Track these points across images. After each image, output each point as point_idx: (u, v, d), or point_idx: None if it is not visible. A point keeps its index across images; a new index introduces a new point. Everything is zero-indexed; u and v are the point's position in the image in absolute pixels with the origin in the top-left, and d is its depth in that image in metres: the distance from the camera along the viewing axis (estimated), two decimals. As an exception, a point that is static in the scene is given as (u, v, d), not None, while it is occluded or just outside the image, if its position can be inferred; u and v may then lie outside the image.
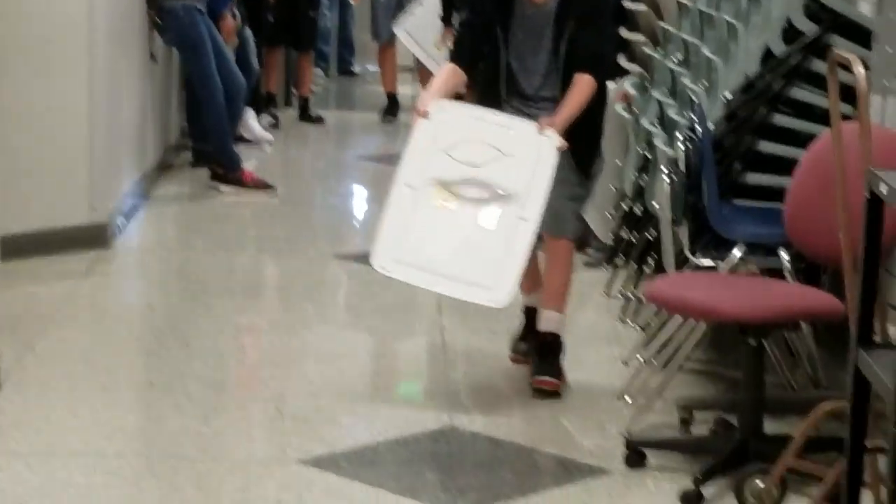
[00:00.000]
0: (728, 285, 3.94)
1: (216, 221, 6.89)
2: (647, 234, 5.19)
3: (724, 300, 3.75)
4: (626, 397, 4.39)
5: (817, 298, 3.78)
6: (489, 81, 4.44)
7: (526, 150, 4.19)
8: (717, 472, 3.76)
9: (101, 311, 5.35)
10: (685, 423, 4.14)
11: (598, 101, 4.38)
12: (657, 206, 4.72)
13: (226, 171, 7.35)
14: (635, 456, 3.95)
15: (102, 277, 5.73)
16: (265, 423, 4.19)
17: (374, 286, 5.41)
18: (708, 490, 3.72)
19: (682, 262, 4.44)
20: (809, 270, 4.28)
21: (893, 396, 2.72)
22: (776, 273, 4.17)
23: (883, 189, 2.85)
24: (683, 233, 4.32)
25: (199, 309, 5.32)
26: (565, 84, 4.30)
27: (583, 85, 4.27)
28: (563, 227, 4.41)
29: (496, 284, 4.09)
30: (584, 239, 5.93)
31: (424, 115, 4.27)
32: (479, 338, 4.99)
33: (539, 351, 4.49)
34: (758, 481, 3.66)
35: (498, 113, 4.34)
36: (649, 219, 5.12)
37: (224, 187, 7.31)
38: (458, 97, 5.00)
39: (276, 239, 6.62)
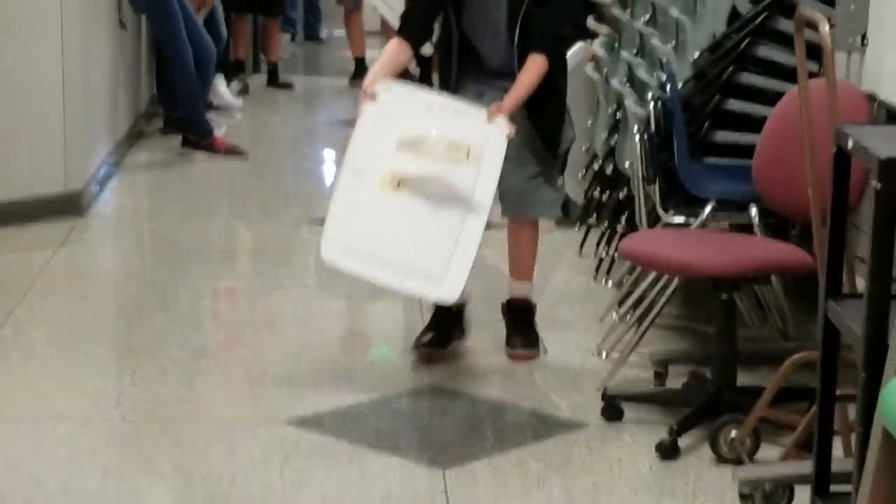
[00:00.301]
0: (700, 241, 4.02)
1: (189, 188, 6.93)
2: (618, 193, 5.27)
3: (697, 255, 3.83)
4: (602, 353, 4.49)
5: (787, 252, 3.87)
6: (445, 55, 4.34)
7: (474, 138, 4.06)
8: (692, 423, 3.86)
9: (80, 278, 5.40)
10: (660, 377, 4.24)
11: (560, 77, 4.29)
12: (628, 166, 4.81)
13: (197, 137, 7.38)
14: (612, 410, 4.04)
15: (79, 245, 5.77)
16: (248, 386, 4.26)
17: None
18: (684, 441, 3.81)
19: (654, 220, 4.53)
20: (778, 225, 4.37)
21: (863, 344, 2.82)
22: (746, 228, 4.26)
23: (849, 144, 2.94)
24: (655, 191, 4.41)
25: (176, 274, 5.37)
26: (521, 62, 4.18)
27: (534, 66, 4.14)
28: (524, 208, 4.35)
29: (446, 278, 3.95)
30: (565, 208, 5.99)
31: (371, 96, 4.12)
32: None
33: (511, 319, 4.49)
34: (732, 431, 3.75)
35: (446, 96, 4.20)
36: (620, 178, 5.20)
37: (197, 153, 7.35)
38: (404, 73, 4.74)
39: (248, 204, 6.68)
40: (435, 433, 3.97)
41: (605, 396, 4.06)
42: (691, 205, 4.33)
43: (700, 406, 3.90)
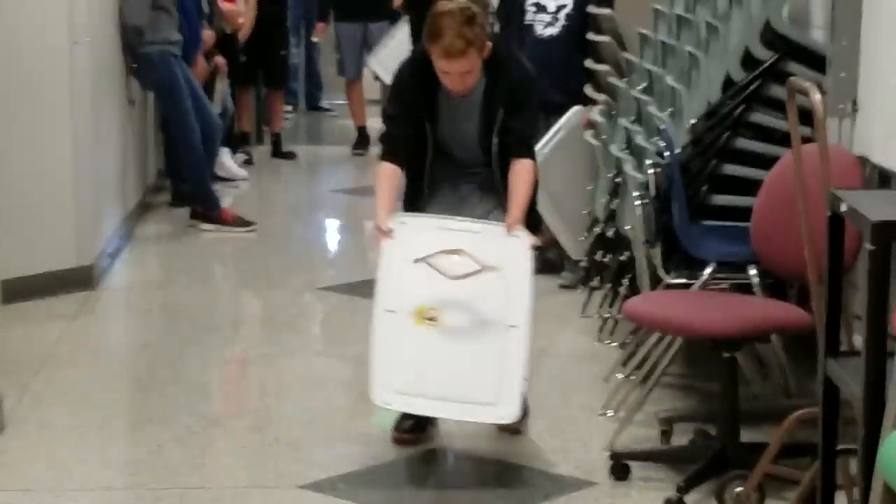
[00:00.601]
0: (701, 302, 4.14)
1: (198, 258, 7.05)
2: (620, 255, 5.39)
3: (699, 316, 3.94)
4: (608, 413, 4.59)
5: (786, 311, 3.98)
6: (418, 159, 4.31)
7: (498, 255, 4.05)
8: (699, 479, 3.95)
9: (93, 349, 5.50)
10: (666, 434, 4.34)
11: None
12: (629, 229, 4.93)
13: (205, 210, 7.52)
14: (620, 468, 4.14)
15: (92, 317, 5.88)
16: (262, 451, 4.35)
17: (355, 314, 5.59)
18: (691, 497, 3.90)
19: (655, 281, 4.64)
20: (777, 285, 4.48)
21: (861, 400, 2.92)
22: (746, 288, 4.37)
23: (843, 207, 3.06)
24: (656, 254, 4.53)
25: (187, 344, 5.48)
26: (501, 163, 4.21)
27: (525, 172, 4.17)
28: None
29: (500, 399, 3.96)
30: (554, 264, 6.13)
31: (388, 234, 4.10)
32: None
33: None
34: (737, 487, 3.84)
35: (460, 219, 4.18)
36: (621, 241, 5.33)
37: (205, 225, 7.48)
38: None
39: (256, 273, 6.79)
40: (449, 495, 4.06)
41: (612, 455, 4.15)
42: (692, 266, 4.44)
43: (706, 463, 3.99)
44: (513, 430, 4.37)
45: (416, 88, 4.23)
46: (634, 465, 4.14)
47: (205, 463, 4.29)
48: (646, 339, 4.65)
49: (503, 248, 4.03)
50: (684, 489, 3.91)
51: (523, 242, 4.05)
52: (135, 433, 4.62)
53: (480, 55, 4.15)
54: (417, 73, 4.24)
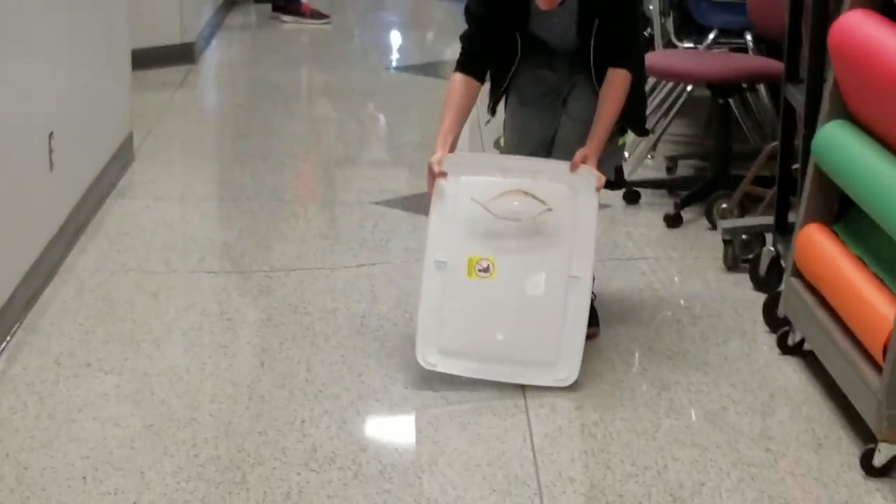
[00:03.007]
0: (703, 58, 5.08)
1: (281, 44, 8.06)
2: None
3: (699, 67, 4.90)
4: (625, 153, 5.55)
5: (768, 63, 4.91)
6: (498, 75, 3.76)
7: (562, 197, 3.55)
8: (693, 199, 4.92)
9: (199, 107, 6.58)
10: (671, 171, 5.32)
11: (640, 73, 3.78)
12: (650, 7, 5.84)
13: (286, 2, 8.48)
14: (631, 195, 5.12)
15: (195, 84, 6.95)
16: (345, 174, 5.39)
17: (419, 89, 6.59)
18: (686, 215, 4.89)
19: (669, 46, 5.57)
20: (770, 50, 5.39)
21: (804, 105, 3.87)
22: (743, 51, 5.31)
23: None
24: (670, 23, 5.46)
25: (275, 106, 6.50)
26: (598, 71, 3.64)
27: (617, 86, 3.60)
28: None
29: (559, 359, 3.51)
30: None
31: (441, 175, 3.56)
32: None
33: None
34: (723, 204, 4.83)
35: (522, 158, 3.66)
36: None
37: (285, 17, 8.45)
38: None
39: (333, 57, 7.78)
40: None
41: (626, 184, 5.12)
42: (700, 34, 5.38)
43: (699, 187, 4.97)
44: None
45: None
46: (644, 192, 5.13)
47: (297, 186, 5.35)
48: (658, 91, 5.60)
49: (569, 188, 3.54)
50: (680, 206, 4.89)
51: (591, 183, 3.54)
52: (241, 163, 5.60)
53: None
54: None
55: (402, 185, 5.24)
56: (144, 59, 6.84)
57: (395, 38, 8.67)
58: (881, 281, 3.25)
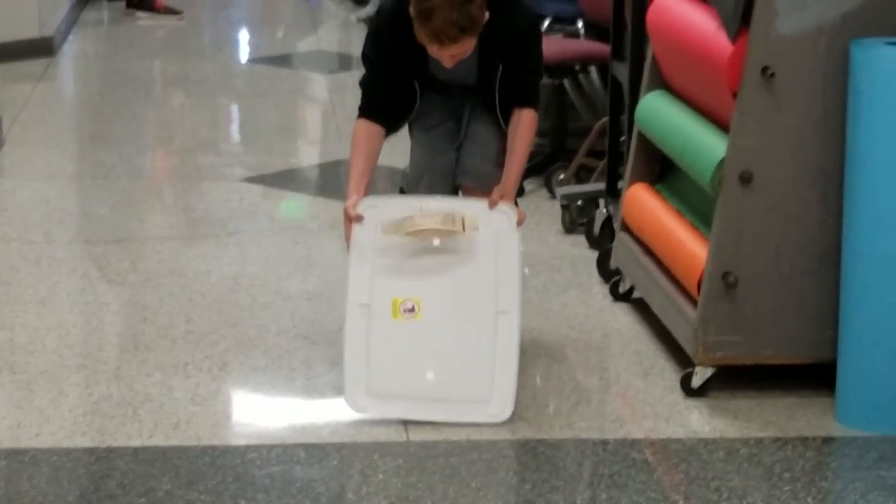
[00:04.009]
0: (539, 43, 5.52)
1: (137, 38, 8.33)
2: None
3: (535, 51, 5.34)
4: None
5: (597, 47, 5.39)
6: (399, 115, 3.70)
7: (482, 234, 3.49)
8: (533, 172, 5.35)
9: (63, 95, 6.89)
10: (512, 148, 5.75)
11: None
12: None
13: (139, -1, 8.76)
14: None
15: (56, 75, 7.20)
16: (209, 155, 5.72)
17: (280, 80, 6.94)
18: (528, 185, 5.30)
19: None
20: (599, 35, 5.86)
21: (627, 79, 4.33)
22: (575, 37, 5.77)
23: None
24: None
25: (139, 94, 6.80)
26: (503, 112, 3.63)
27: (527, 126, 3.62)
28: (488, 184, 3.64)
29: (493, 395, 3.44)
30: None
31: (357, 219, 3.48)
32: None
33: None
34: (560, 175, 5.28)
35: (438, 198, 3.62)
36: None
37: (139, 13, 8.72)
38: None
39: (189, 50, 8.08)
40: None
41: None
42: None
43: (538, 161, 5.41)
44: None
45: (399, 47, 3.54)
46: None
47: (164, 165, 5.67)
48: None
49: (488, 225, 3.50)
50: (522, 179, 5.31)
51: (510, 219, 3.52)
52: (104, 142, 5.88)
53: (477, 34, 3.44)
54: (400, 30, 3.49)
55: (263, 164, 5.59)
56: (4, 53, 7.09)
57: (247, 33, 8.98)
58: (696, 228, 3.72)
